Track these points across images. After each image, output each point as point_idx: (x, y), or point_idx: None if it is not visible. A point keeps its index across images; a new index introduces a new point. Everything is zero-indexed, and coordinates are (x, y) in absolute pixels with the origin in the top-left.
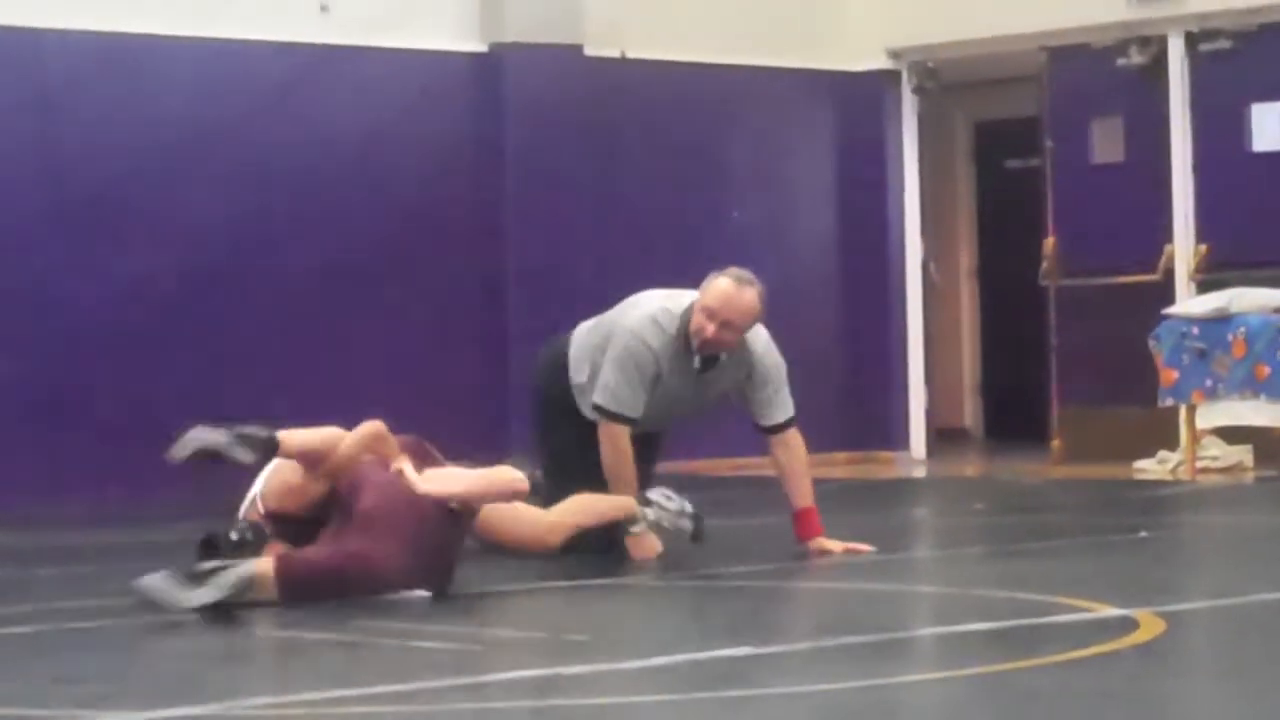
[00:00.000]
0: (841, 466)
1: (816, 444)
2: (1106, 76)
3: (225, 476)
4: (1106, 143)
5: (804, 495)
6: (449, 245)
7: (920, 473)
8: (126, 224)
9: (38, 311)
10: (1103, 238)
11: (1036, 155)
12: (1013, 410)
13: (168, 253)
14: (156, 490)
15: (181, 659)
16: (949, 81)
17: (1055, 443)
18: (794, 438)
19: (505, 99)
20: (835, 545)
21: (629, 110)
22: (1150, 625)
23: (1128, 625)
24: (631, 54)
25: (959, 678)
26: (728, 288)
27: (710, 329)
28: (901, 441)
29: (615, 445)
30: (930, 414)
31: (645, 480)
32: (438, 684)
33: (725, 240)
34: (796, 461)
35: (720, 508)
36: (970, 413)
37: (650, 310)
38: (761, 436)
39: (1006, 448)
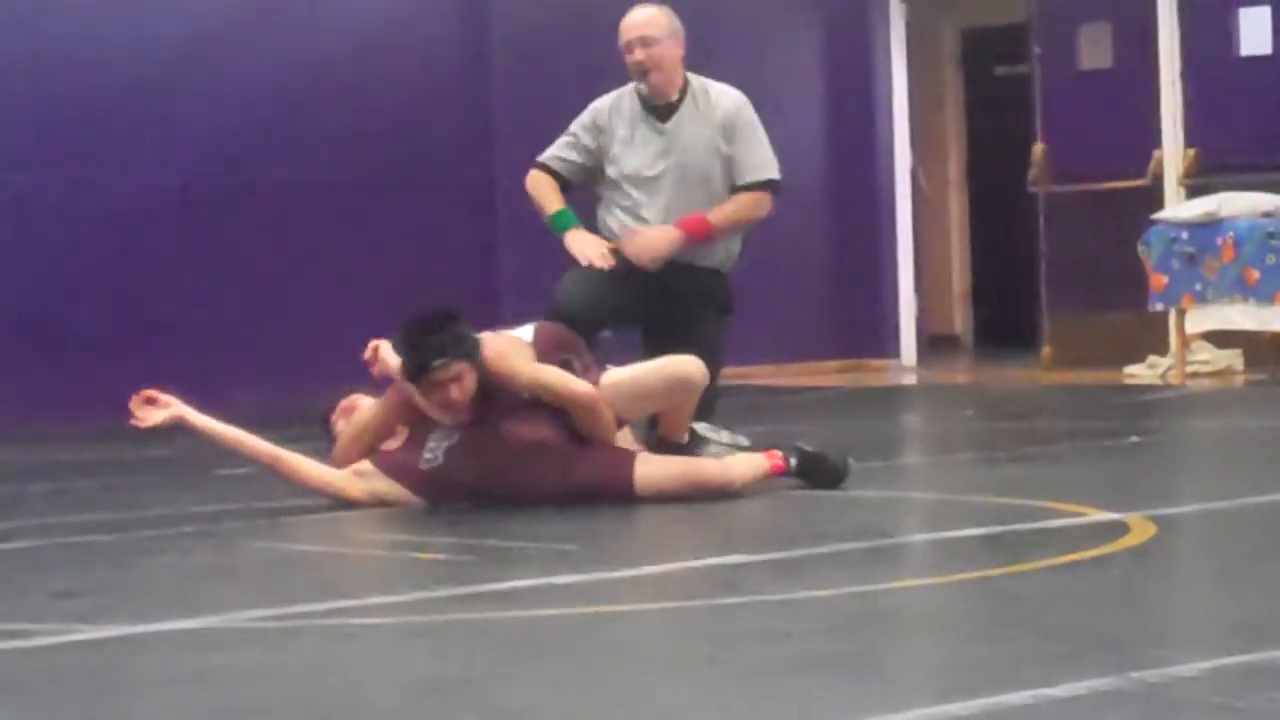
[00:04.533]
0: (832, 374)
1: (807, 352)
2: None
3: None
4: (1094, 48)
5: (718, 214)
6: (438, 158)
7: (911, 380)
8: (115, 140)
9: (27, 229)
10: (1091, 144)
11: (1024, 62)
12: (1003, 317)
13: (158, 169)
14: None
15: (177, 573)
16: None
17: (1046, 349)
18: (760, 195)
19: (492, 12)
20: (652, 246)
21: (612, 21)
22: (1141, 529)
23: (1118, 529)
24: None
25: (951, 583)
26: (626, 18)
27: (637, 53)
28: (892, 349)
29: (534, 188)
30: (920, 321)
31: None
32: (432, 594)
33: None
34: (740, 198)
35: (718, 417)
36: (960, 320)
37: None
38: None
39: (997, 354)
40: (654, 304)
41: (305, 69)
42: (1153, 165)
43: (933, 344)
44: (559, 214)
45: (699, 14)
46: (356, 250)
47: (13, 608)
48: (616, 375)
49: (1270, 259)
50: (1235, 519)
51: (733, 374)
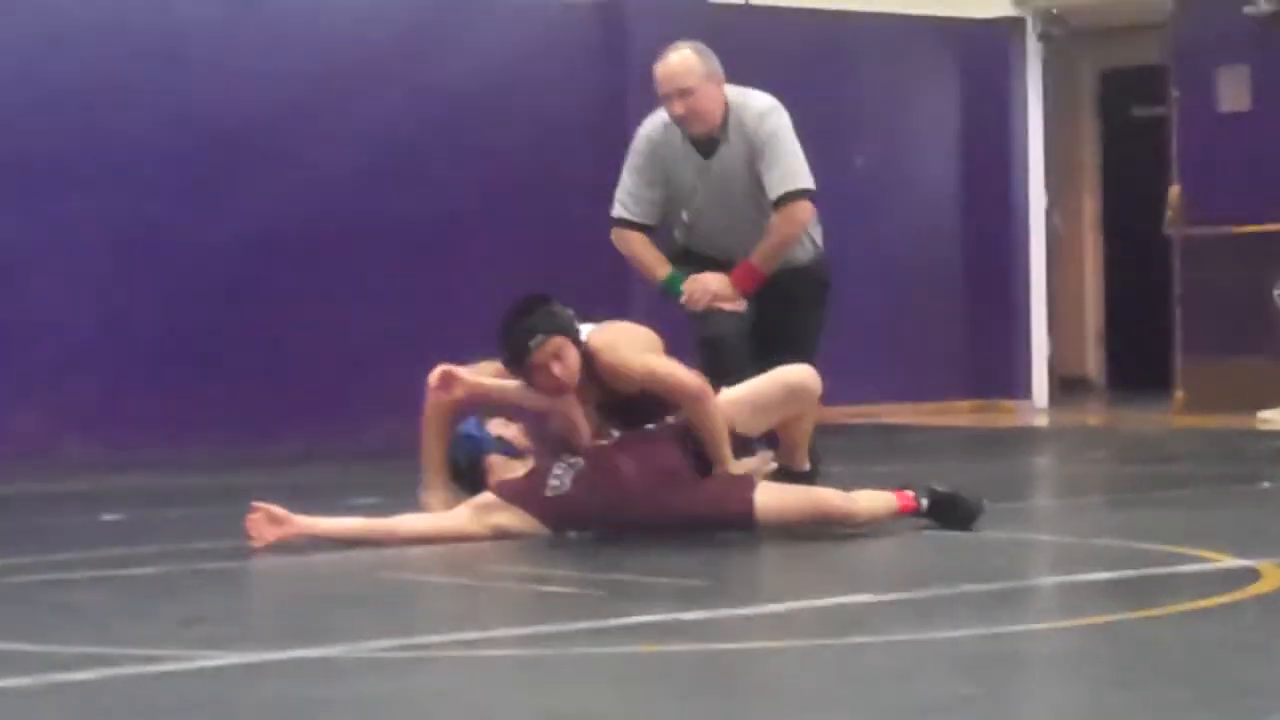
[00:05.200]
0: (964, 415)
1: (940, 392)
2: (1234, 24)
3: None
4: (1233, 91)
5: (761, 254)
6: (570, 193)
7: (1042, 421)
8: (252, 169)
9: (164, 255)
10: (1228, 186)
11: (1162, 103)
12: (1136, 360)
13: (293, 198)
14: (281, 433)
15: (305, 601)
16: (1075, 28)
17: (1178, 392)
18: (788, 210)
19: (628, 47)
20: (711, 291)
21: (752, 58)
22: (1272, 576)
23: (1250, 576)
24: (755, 0)
25: (1079, 627)
26: (661, 66)
27: (675, 107)
28: (1024, 390)
29: (627, 249)
30: (1053, 363)
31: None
32: (558, 628)
33: (849, 187)
34: (772, 227)
35: (845, 456)
36: (1093, 362)
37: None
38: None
39: (1129, 397)
40: (759, 311)
41: (437, 103)
42: None
43: (1064, 385)
44: (671, 279)
45: (837, 54)
46: (487, 283)
47: (140, 633)
48: (734, 391)
49: None
50: None
51: (867, 411)
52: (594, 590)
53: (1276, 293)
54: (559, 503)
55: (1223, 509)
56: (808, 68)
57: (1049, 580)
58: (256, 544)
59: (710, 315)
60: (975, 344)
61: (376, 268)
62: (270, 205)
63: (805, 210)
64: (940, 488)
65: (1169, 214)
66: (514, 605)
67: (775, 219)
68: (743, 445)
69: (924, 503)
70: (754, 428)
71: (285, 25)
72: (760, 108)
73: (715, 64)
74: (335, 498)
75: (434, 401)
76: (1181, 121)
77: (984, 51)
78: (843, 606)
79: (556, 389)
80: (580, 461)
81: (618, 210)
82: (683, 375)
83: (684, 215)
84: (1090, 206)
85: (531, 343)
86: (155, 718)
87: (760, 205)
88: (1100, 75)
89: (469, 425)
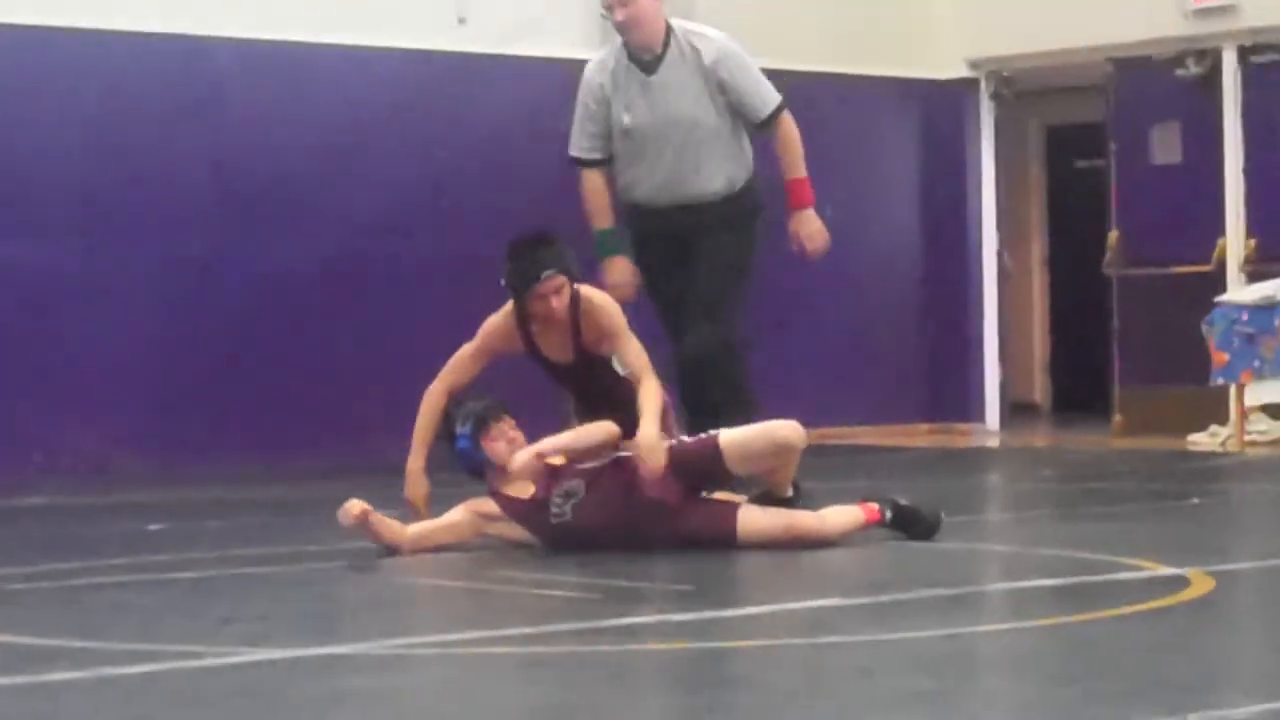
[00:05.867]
0: (923, 436)
1: (901, 416)
2: (1166, 86)
3: None
4: (1165, 146)
5: (793, 168)
6: (574, 233)
7: (994, 443)
8: (285, 212)
9: (209, 289)
10: (1161, 232)
11: (1102, 156)
12: (1078, 387)
13: (322, 238)
14: (308, 451)
15: (329, 603)
16: (1023, 89)
17: (1117, 417)
18: (783, 125)
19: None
20: (814, 230)
21: None
22: (1201, 583)
23: (1180, 583)
24: None
25: (1027, 628)
26: None
27: (617, 14)
28: (978, 414)
29: (582, 188)
30: (1004, 390)
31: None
32: (557, 628)
33: None
34: (784, 144)
35: (817, 473)
36: (1040, 389)
37: None
38: (760, 136)
39: (1072, 421)
40: (685, 252)
41: (456, 153)
42: (1217, 252)
43: (1014, 410)
44: (604, 234)
45: (811, 110)
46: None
47: (185, 631)
48: (729, 436)
49: None
50: None
51: (836, 433)
52: (590, 594)
53: (1204, 327)
54: (560, 529)
55: (1156, 523)
56: None
57: (1000, 586)
58: (344, 520)
59: (662, 302)
60: (933, 372)
61: (397, 301)
62: (300, 245)
63: (791, 120)
64: (902, 501)
65: (1108, 256)
66: (516, 607)
67: (780, 141)
68: (728, 480)
69: (888, 515)
70: (741, 471)
71: (317, 82)
72: (719, 38)
73: None
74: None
75: (433, 390)
76: (1119, 173)
77: (941, 109)
78: (813, 609)
79: (549, 319)
80: (580, 490)
81: (571, 150)
82: (640, 350)
83: (629, 145)
84: (1037, 248)
85: (543, 274)
86: (196, 708)
87: (702, 139)
88: (1046, 131)
89: (462, 440)
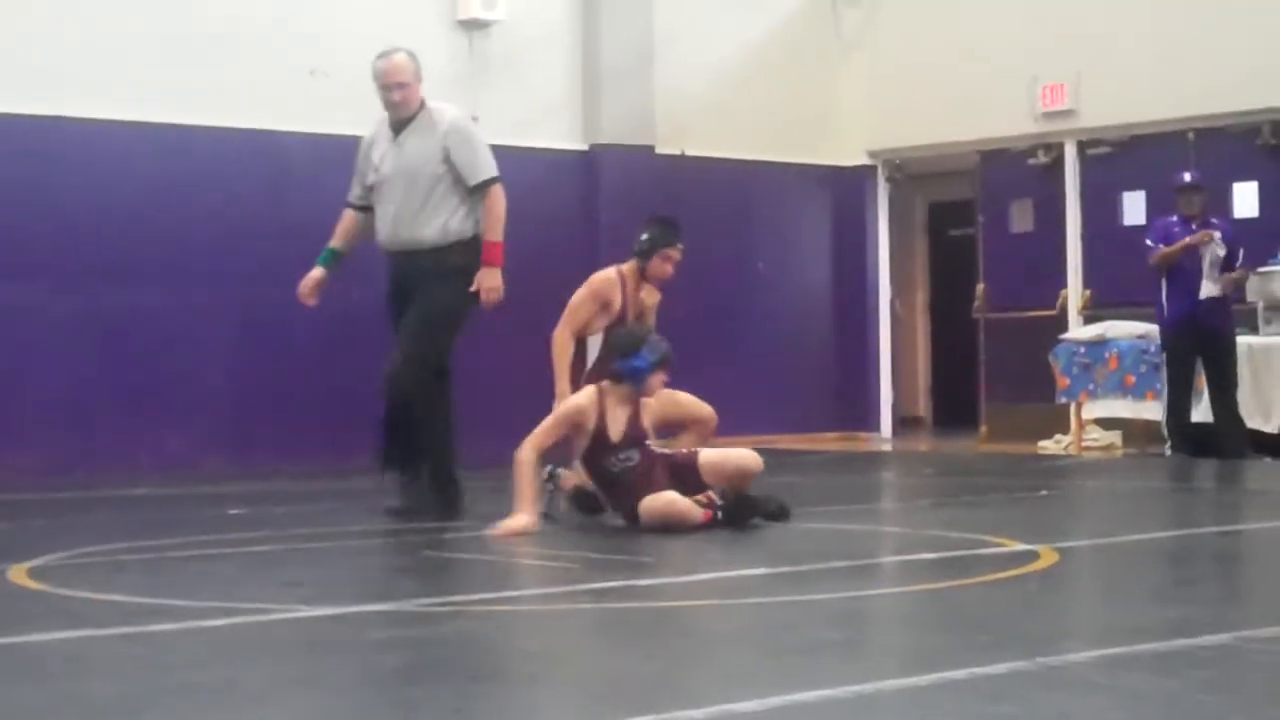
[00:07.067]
0: (831, 442)
1: (814, 426)
2: (1021, 171)
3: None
4: (1021, 218)
5: (490, 232)
6: (558, 299)
7: (887, 448)
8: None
9: (273, 326)
10: (1018, 284)
11: (972, 226)
12: (953, 404)
13: (363, 287)
14: (360, 452)
15: (371, 570)
16: (911, 173)
17: (983, 428)
18: (491, 195)
19: (599, 185)
20: (492, 285)
21: (687, 190)
22: (1048, 557)
23: (1031, 557)
24: (690, 152)
25: (912, 592)
26: (386, 63)
27: (395, 95)
28: (874, 425)
29: (342, 221)
30: (895, 406)
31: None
32: (548, 590)
33: (755, 282)
34: (487, 210)
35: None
36: (923, 406)
37: None
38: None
39: (948, 431)
40: (408, 291)
41: None
42: (1060, 300)
43: (903, 423)
44: (329, 250)
45: (744, 190)
46: (485, 361)
47: (254, 592)
48: (705, 455)
49: (1143, 368)
50: (1116, 551)
51: (760, 440)
52: (571, 564)
53: (1051, 358)
54: (614, 472)
55: (1013, 509)
56: (726, 199)
57: (891, 559)
58: (496, 533)
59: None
60: (840, 391)
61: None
62: (347, 290)
63: (501, 192)
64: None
65: (976, 303)
66: (517, 574)
67: (485, 203)
68: (704, 485)
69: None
70: (711, 480)
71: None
72: (455, 115)
73: (419, 68)
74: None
75: (525, 459)
76: (985, 239)
77: (847, 189)
78: (745, 576)
79: (661, 277)
80: (636, 458)
81: (349, 197)
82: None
83: (370, 177)
84: (921, 297)
85: (679, 243)
86: (265, 652)
87: (434, 192)
88: (928, 206)
89: (642, 361)
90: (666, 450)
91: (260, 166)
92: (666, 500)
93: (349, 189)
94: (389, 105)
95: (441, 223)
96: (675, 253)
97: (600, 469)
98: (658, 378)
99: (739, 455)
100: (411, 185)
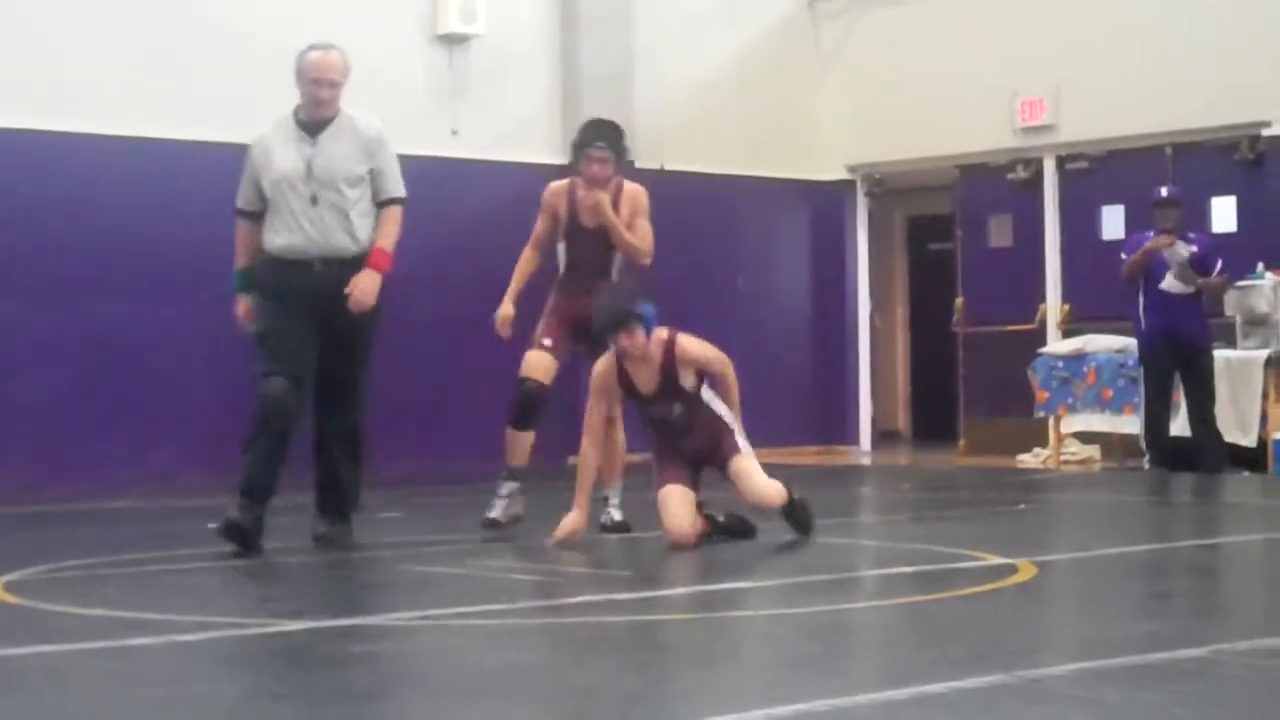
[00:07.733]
0: (811, 456)
1: (795, 439)
2: (1000, 186)
3: None
4: (1000, 232)
5: (382, 239)
6: (533, 313)
7: (867, 461)
8: None
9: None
10: (996, 299)
11: (951, 240)
12: (932, 418)
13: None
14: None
15: (346, 585)
16: (890, 187)
17: (961, 442)
18: (393, 211)
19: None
20: (365, 287)
21: (667, 205)
22: (1026, 570)
23: (1010, 570)
24: (669, 166)
25: (890, 605)
26: (321, 56)
27: (324, 92)
28: (854, 439)
29: (238, 235)
30: (874, 420)
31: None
32: (527, 604)
33: (735, 297)
34: (383, 221)
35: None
36: (902, 419)
37: None
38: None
39: (927, 445)
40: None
41: (450, 233)
42: (1039, 315)
43: (882, 436)
44: (240, 274)
45: (725, 204)
46: (464, 376)
47: (231, 606)
48: (741, 465)
49: (1121, 382)
50: (1094, 564)
51: None
52: (552, 578)
53: (1029, 372)
54: (655, 420)
55: (991, 523)
56: (705, 214)
57: (870, 572)
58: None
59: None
60: (820, 406)
61: (425, 351)
62: None
63: (400, 212)
64: (719, 517)
65: (955, 317)
66: (494, 588)
67: (385, 215)
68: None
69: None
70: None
71: None
72: (377, 125)
73: (350, 69)
74: (370, 515)
75: (582, 456)
76: (964, 253)
77: (827, 203)
78: (726, 590)
79: (591, 177)
80: (678, 410)
81: (238, 203)
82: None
83: (269, 178)
84: (901, 311)
85: (597, 142)
86: (242, 666)
87: (350, 191)
88: (908, 220)
89: (651, 310)
90: (722, 413)
91: (238, 180)
92: (672, 510)
93: (238, 194)
94: (314, 102)
95: (361, 232)
96: (596, 151)
97: (648, 417)
98: (624, 340)
99: (762, 488)
100: (330, 190)
